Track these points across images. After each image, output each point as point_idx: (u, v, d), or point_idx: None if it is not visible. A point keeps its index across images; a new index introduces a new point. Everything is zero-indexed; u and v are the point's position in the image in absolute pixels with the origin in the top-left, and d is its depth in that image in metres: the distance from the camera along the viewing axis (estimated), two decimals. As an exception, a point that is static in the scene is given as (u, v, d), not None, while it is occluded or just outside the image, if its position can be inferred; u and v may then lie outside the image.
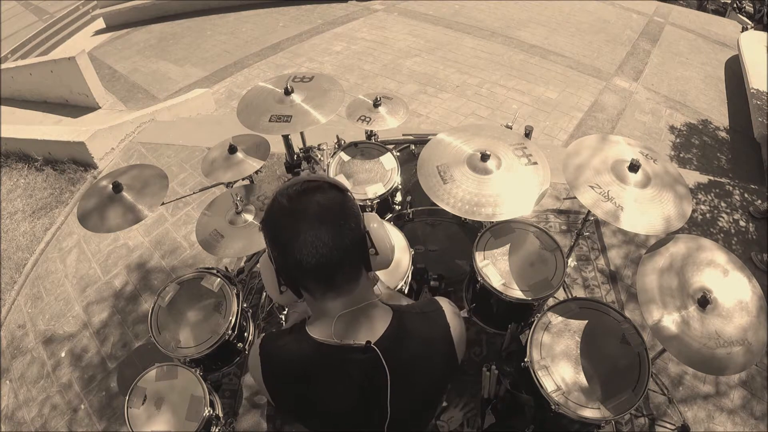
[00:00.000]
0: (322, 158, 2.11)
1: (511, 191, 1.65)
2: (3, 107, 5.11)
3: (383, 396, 0.84)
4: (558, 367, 1.51)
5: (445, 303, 0.97)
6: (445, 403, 1.78)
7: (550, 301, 1.83)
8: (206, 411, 1.54)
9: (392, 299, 1.19)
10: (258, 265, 0.85)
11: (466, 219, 2.11)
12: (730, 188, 3.36)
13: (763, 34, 5.65)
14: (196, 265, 2.85)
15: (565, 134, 4.16)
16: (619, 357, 1.51)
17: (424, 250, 2.12)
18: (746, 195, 3.30)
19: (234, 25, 7.04)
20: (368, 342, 0.82)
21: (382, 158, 2.12)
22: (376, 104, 2.21)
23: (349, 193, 0.85)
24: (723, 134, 4.42)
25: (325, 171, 2.09)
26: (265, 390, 0.90)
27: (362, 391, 0.86)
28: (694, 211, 3.07)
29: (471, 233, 2.12)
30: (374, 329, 0.85)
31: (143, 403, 1.56)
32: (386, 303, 0.93)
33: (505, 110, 4.47)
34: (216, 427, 1.62)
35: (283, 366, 0.89)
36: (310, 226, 0.76)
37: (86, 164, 3.82)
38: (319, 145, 2.15)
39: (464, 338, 0.97)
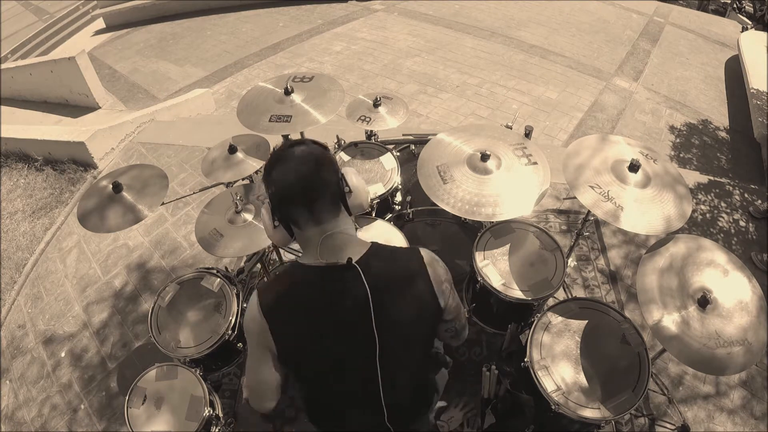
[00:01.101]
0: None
1: (511, 191, 1.65)
2: (3, 107, 5.11)
3: (368, 316, 0.96)
4: (558, 367, 1.51)
5: (423, 249, 1.10)
6: (445, 403, 1.78)
7: (550, 301, 1.83)
8: (206, 411, 1.54)
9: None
10: (260, 210, 1.08)
11: (466, 219, 2.11)
12: (730, 188, 3.36)
13: (763, 34, 5.65)
14: (196, 265, 2.85)
15: (565, 134, 4.16)
16: (619, 357, 1.51)
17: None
18: (746, 195, 3.30)
19: (234, 25, 7.04)
20: (350, 259, 0.97)
21: (382, 158, 2.12)
22: (376, 104, 2.21)
23: (329, 150, 1.05)
24: (723, 134, 4.42)
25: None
26: (264, 325, 0.99)
27: (349, 313, 0.98)
28: (694, 211, 3.06)
29: (471, 233, 2.12)
30: (354, 253, 1.00)
31: (143, 403, 1.56)
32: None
33: (505, 110, 4.47)
34: (216, 427, 1.62)
35: (277, 293, 1.02)
36: (295, 163, 0.97)
37: (86, 164, 3.82)
38: (319, 145, 2.15)
39: (443, 281, 1.08)
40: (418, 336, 1.09)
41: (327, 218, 1.00)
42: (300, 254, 1.10)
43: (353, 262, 0.97)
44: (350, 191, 1.04)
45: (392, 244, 1.12)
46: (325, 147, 1.04)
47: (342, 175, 1.04)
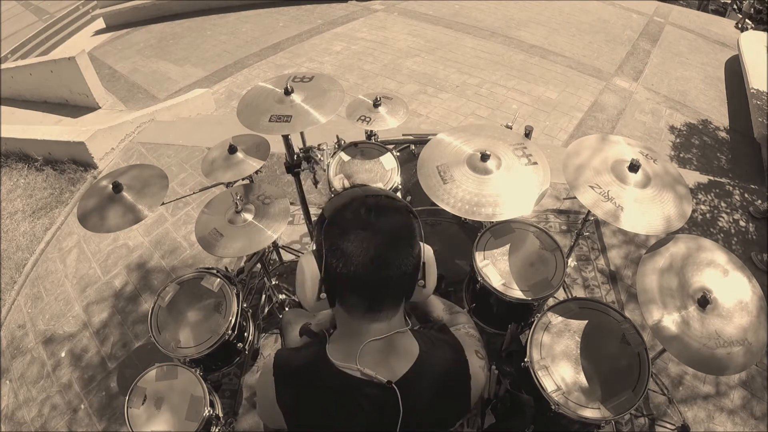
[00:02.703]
0: (322, 158, 2.11)
1: (511, 191, 1.64)
2: (3, 107, 5.10)
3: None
4: (558, 367, 1.51)
5: (472, 357, 0.92)
6: None
7: (550, 301, 1.83)
8: (206, 411, 1.54)
9: (426, 305, 1.15)
10: (299, 265, 0.83)
11: (466, 219, 2.11)
12: (730, 188, 3.36)
13: (763, 34, 5.65)
14: (196, 265, 2.85)
15: (565, 134, 4.16)
16: (619, 357, 1.51)
17: (424, 250, 2.12)
18: (746, 195, 3.30)
19: (234, 25, 7.04)
20: (389, 381, 0.80)
21: (382, 158, 2.12)
22: (376, 104, 2.21)
23: (417, 221, 0.83)
24: (723, 134, 4.42)
25: (325, 171, 2.09)
26: (276, 410, 0.86)
27: (371, 426, 0.84)
28: (694, 211, 3.06)
29: (471, 233, 2.12)
30: (397, 366, 0.82)
31: (143, 403, 1.56)
32: (416, 309, 0.91)
33: (505, 110, 4.47)
34: (216, 427, 1.62)
35: (299, 390, 0.86)
36: (380, 245, 0.75)
37: (86, 164, 3.82)
38: (319, 145, 2.14)
39: (482, 389, 0.93)
40: None
41: (386, 316, 0.81)
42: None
43: (393, 383, 0.80)
44: (424, 286, 0.83)
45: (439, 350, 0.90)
46: (416, 217, 0.83)
47: (423, 263, 0.82)
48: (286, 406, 0.85)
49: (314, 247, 0.84)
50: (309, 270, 0.81)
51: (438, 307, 1.16)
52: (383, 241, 0.75)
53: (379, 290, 0.78)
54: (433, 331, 0.99)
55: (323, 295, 0.81)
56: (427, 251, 0.85)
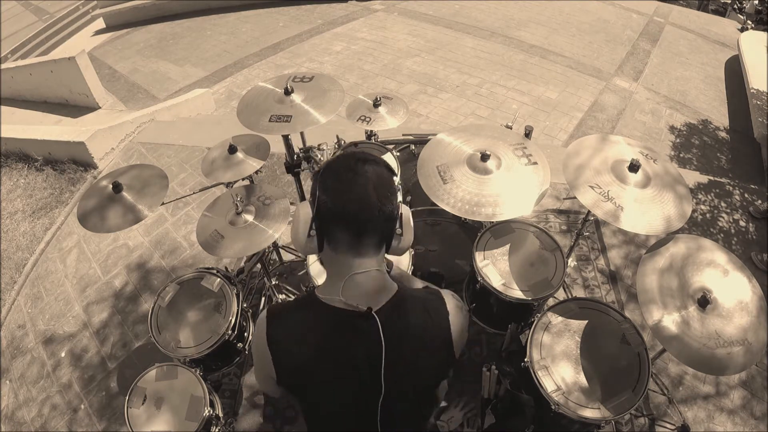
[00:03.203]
0: (322, 158, 2.11)
1: (511, 191, 1.64)
2: (3, 107, 5.11)
3: (378, 369, 0.89)
4: (558, 367, 1.51)
5: (449, 296, 1.01)
6: (445, 403, 1.78)
7: (550, 301, 1.83)
8: (206, 411, 1.54)
9: (404, 279, 1.22)
10: (295, 210, 0.97)
11: (466, 219, 2.11)
12: (730, 188, 3.36)
13: (763, 34, 5.65)
14: (196, 265, 2.85)
15: (565, 134, 4.16)
16: (619, 357, 1.51)
17: (424, 250, 2.12)
18: (746, 195, 3.30)
19: (234, 25, 7.04)
20: (369, 308, 0.88)
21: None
22: (376, 104, 2.21)
23: (397, 178, 0.96)
24: (723, 134, 4.43)
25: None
26: (268, 358, 0.93)
27: (358, 361, 0.90)
28: (694, 211, 3.07)
29: (471, 233, 2.12)
30: (377, 299, 0.91)
31: (143, 403, 1.56)
32: (396, 281, 0.98)
33: (505, 110, 4.47)
34: (216, 427, 1.62)
35: (287, 326, 0.94)
36: (364, 185, 0.88)
37: (86, 164, 3.83)
38: (319, 145, 2.14)
39: (464, 334, 1.00)
40: (427, 386, 1.03)
41: (367, 252, 0.91)
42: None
43: (373, 311, 0.88)
44: (401, 234, 0.95)
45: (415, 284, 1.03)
46: (395, 173, 0.99)
47: (401, 213, 0.95)
48: (274, 344, 0.93)
49: (309, 196, 0.95)
50: (303, 212, 0.93)
51: (418, 284, 1.24)
52: (367, 183, 0.88)
53: (363, 225, 0.89)
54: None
55: (313, 232, 0.92)
56: (405, 210, 0.97)
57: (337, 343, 0.91)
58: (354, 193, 0.87)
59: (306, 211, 0.92)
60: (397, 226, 0.94)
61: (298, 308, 0.99)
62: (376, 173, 0.90)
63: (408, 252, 1.79)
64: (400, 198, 0.99)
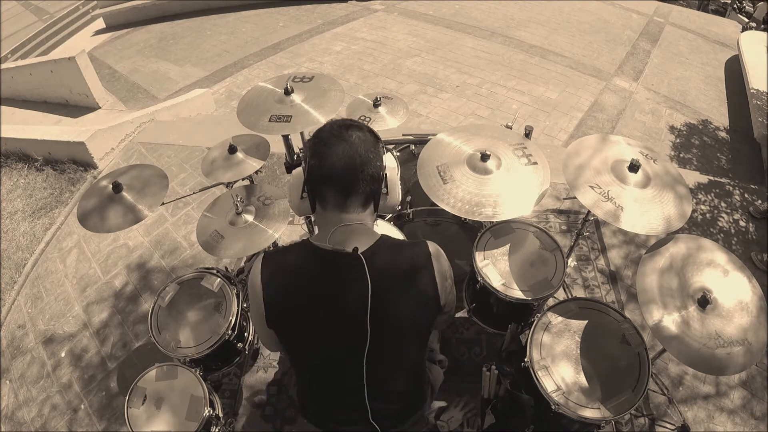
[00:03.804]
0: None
1: (511, 191, 1.64)
2: (3, 107, 5.11)
3: (364, 309, 0.95)
4: (558, 367, 1.50)
5: (430, 243, 1.08)
6: (444, 403, 1.78)
7: (550, 301, 1.83)
8: (206, 411, 1.54)
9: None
10: (291, 176, 1.13)
11: (466, 219, 2.11)
12: (730, 188, 3.36)
13: (763, 34, 5.65)
14: (196, 265, 2.85)
15: (565, 134, 4.16)
16: (619, 357, 1.51)
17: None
18: (746, 195, 3.30)
19: (234, 25, 7.04)
20: (355, 248, 0.96)
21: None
22: (376, 104, 2.21)
23: (381, 142, 1.04)
24: (723, 134, 4.43)
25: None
26: (260, 292, 1.01)
27: (346, 302, 0.97)
28: (694, 211, 3.06)
29: (471, 233, 2.12)
30: (362, 243, 0.99)
31: (143, 403, 1.56)
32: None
33: (505, 110, 4.47)
34: (216, 427, 1.62)
35: (280, 264, 1.03)
36: (348, 147, 0.96)
37: (86, 164, 3.82)
38: (319, 145, 2.15)
39: (447, 278, 1.07)
40: (414, 333, 1.07)
41: (354, 209, 1.00)
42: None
43: (359, 252, 0.96)
44: (387, 193, 1.04)
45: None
46: (379, 138, 1.04)
47: (385, 174, 1.03)
48: (267, 281, 1.01)
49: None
50: (296, 177, 1.06)
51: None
52: (352, 146, 0.97)
53: (349, 184, 0.97)
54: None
55: (305, 194, 1.04)
56: (391, 171, 1.06)
57: (326, 280, 0.99)
58: (340, 155, 0.96)
59: (300, 175, 1.04)
60: (383, 186, 1.03)
61: (291, 250, 1.08)
62: (361, 138, 0.98)
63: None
64: (388, 161, 1.05)
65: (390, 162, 1.06)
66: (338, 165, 0.95)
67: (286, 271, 1.02)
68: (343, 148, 0.96)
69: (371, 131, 1.03)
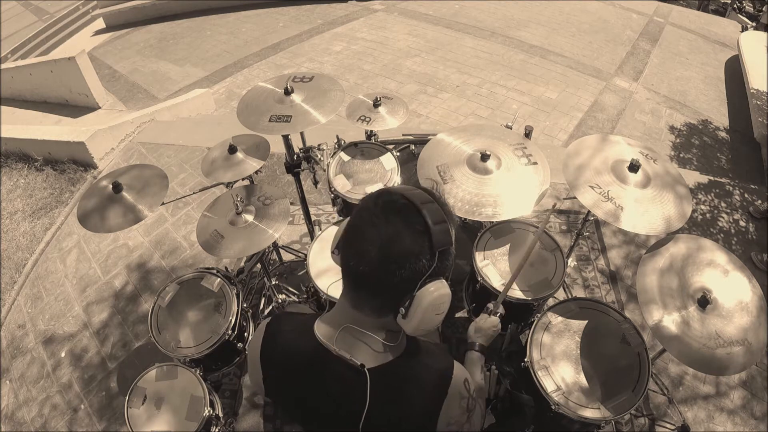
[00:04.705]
0: (322, 158, 2.11)
1: (511, 191, 1.64)
2: (3, 107, 5.11)
3: (356, 422, 0.83)
4: (558, 367, 1.51)
5: (456, 377, 0.88)
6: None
7: (550, 301, 1.83)
8: (206, 411, 1.54)
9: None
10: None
11: (466, 219, 2.11)
12: (730, 188, 3.36)
13: (763, 34, 5.65)
14: (196, 265, 2.85)
15: (565, 134, 4.16)
16: (619, 357, 1.51)
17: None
18: (746, 195, 3.30)
19: (234, 25, 7.04)
20: (362, 365, 0.81)
21: (382, 158, 2.12)
22: (376, 104, 2.21)
23: (431, 243, 0.75)
24: (723, 134, 4.43)
25: (325, 171, 2.09)
26: (258, 367, 0.92)
27: (340, 409, 0.86)
28: (694, 211, 3.06)
29: (471, 233, 2.12)
30: (369, 359, 0.83)
31: (143, 403, 1.56)
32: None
33: (505, 110, 4.47)
34: (216, 427, 1.62)
35: (279, 351, 0.91)
36: (372, 241, 0.75)
37: (86, 164, 3.82)
38: (319, 145, 2.14)
39: (452, 423, 0.88)
40: None
41: (364, 311, 0.82)
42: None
43: (366, 369, 0.81)
44: (405, 316, 0.78)
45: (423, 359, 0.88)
46: (430, 240, 0.75)
47: (414, 295, 0.77)
48: (265, 361, 0.91)
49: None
50: (340, 229, 0.86)
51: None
52: (376, 239, 0.75)
53: (359, 280, 0.79)
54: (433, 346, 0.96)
55: (336, 251, 0.85)
56: (430, 293, 0.77)
57: (322, 383, 0.87)
58: (357, 249, 0.77)
59: (341, 228, 0.85)
60: (404, 303, 0.78)
61: (296, 331, 0.91)
62: (395, 232, 0.74)
63: None
64: (430, 283, 0.77)
65: (432, 289, 0.77)
66: (353, 258, 0.77)
67: (286, 356, 0.90)
68: (367, 239, 0.75)
69: (424, 231, 0.74)
